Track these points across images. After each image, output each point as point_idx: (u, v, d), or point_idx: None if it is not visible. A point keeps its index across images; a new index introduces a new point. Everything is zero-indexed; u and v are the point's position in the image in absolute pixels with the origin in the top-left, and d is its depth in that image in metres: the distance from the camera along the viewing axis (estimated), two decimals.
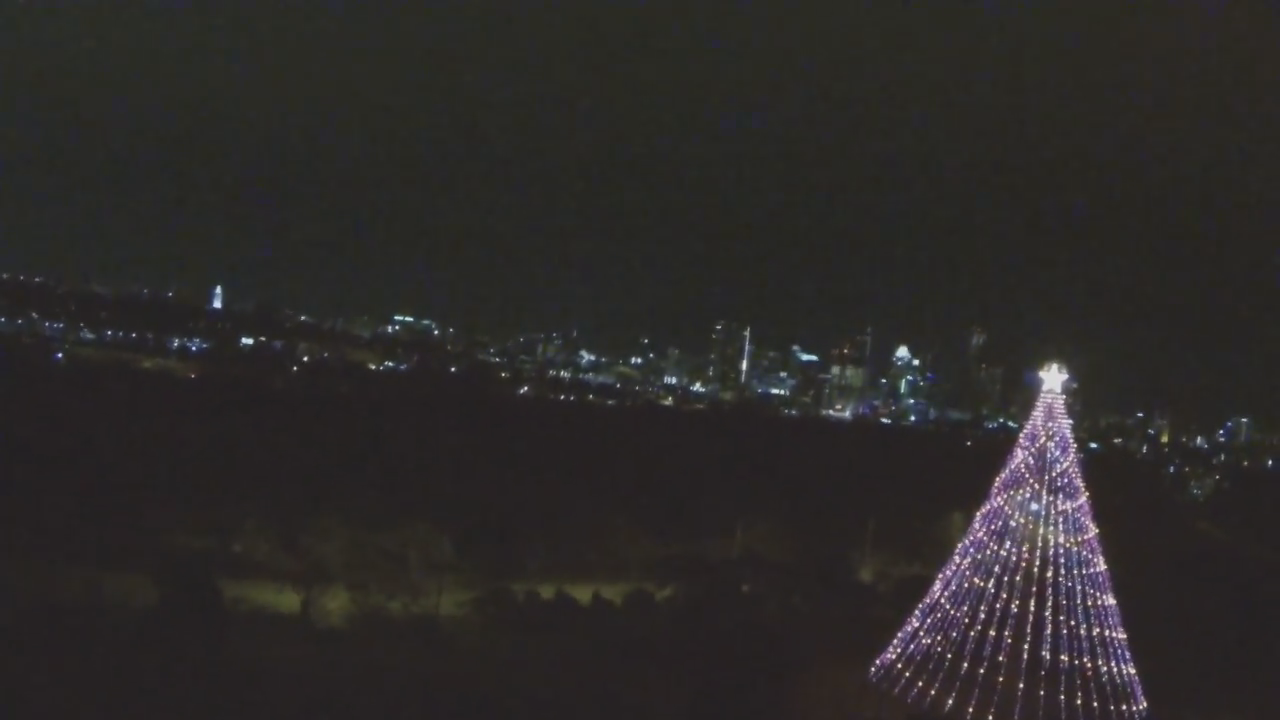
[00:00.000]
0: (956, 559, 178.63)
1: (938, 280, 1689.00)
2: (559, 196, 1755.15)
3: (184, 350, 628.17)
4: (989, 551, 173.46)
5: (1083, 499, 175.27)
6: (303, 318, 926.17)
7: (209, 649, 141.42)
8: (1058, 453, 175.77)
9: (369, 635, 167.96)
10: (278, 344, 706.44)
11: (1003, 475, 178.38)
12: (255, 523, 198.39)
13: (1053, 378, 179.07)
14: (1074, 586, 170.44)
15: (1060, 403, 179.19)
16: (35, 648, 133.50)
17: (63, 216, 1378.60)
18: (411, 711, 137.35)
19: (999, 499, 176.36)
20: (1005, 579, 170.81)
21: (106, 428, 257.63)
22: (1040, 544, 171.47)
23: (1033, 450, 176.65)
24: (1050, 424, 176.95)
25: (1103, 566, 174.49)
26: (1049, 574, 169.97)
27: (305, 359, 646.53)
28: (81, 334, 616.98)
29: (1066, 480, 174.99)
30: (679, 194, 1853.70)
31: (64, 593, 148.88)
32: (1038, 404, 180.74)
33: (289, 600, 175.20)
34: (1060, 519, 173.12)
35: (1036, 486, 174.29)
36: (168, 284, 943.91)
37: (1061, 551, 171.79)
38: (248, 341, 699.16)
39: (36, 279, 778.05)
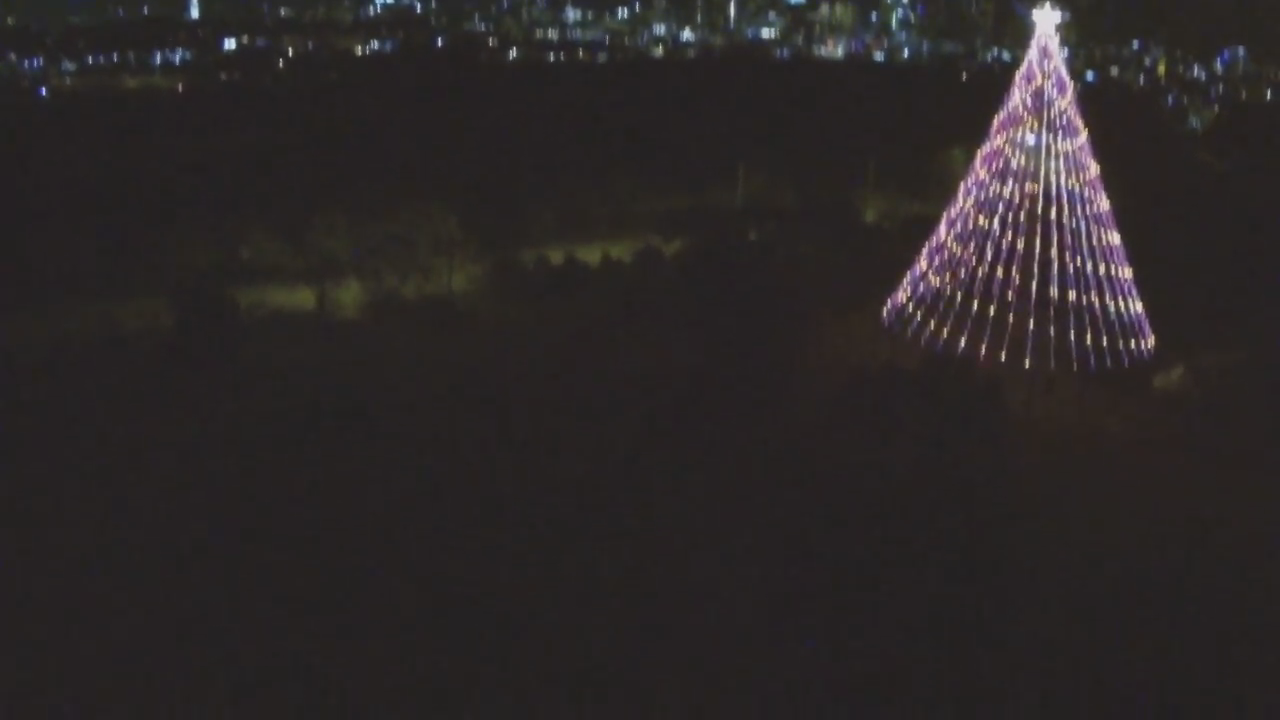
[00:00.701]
0: (960, 199, 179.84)
1: None
2: None
3: (167, 64, 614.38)
4: (992, 191, 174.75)
5: (1082, 137, 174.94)
6: (283, 12, 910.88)
7: (227, 357, 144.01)
8: (1055, 92, 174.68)
9: (384, 321, 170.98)
10: (261, 42, 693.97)
11: (1000, 115, 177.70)
12: (262, 226, 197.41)
13: (1046, 17, 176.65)
14: (1078, 225, 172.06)
15: (1055, 42, 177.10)
16: (58, 380, 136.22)
17: None
18: (427, 389, 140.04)
19: (999, 139, 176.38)
20: (1009, 218, 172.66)
21: (98, 158, 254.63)
22: (1042, 182, 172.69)
23: (1029, 90, 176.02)
24: (1046, 63, 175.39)
25: (1106, 205, 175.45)
26: (1053, 213, 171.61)
27: (290, 53, 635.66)
28: (63, 66, 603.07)
29: (1065, 120, 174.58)
30: None
31: (82, 326, 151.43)
32: (1032, 44, 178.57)
33: (303, 297, 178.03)
34: (1061, 157, 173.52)
35: (1035, 125, 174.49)
36: (141, 3, 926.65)
37: (1064, 190, 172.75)
38: (230, 45, 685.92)
39: (9, 20, 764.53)
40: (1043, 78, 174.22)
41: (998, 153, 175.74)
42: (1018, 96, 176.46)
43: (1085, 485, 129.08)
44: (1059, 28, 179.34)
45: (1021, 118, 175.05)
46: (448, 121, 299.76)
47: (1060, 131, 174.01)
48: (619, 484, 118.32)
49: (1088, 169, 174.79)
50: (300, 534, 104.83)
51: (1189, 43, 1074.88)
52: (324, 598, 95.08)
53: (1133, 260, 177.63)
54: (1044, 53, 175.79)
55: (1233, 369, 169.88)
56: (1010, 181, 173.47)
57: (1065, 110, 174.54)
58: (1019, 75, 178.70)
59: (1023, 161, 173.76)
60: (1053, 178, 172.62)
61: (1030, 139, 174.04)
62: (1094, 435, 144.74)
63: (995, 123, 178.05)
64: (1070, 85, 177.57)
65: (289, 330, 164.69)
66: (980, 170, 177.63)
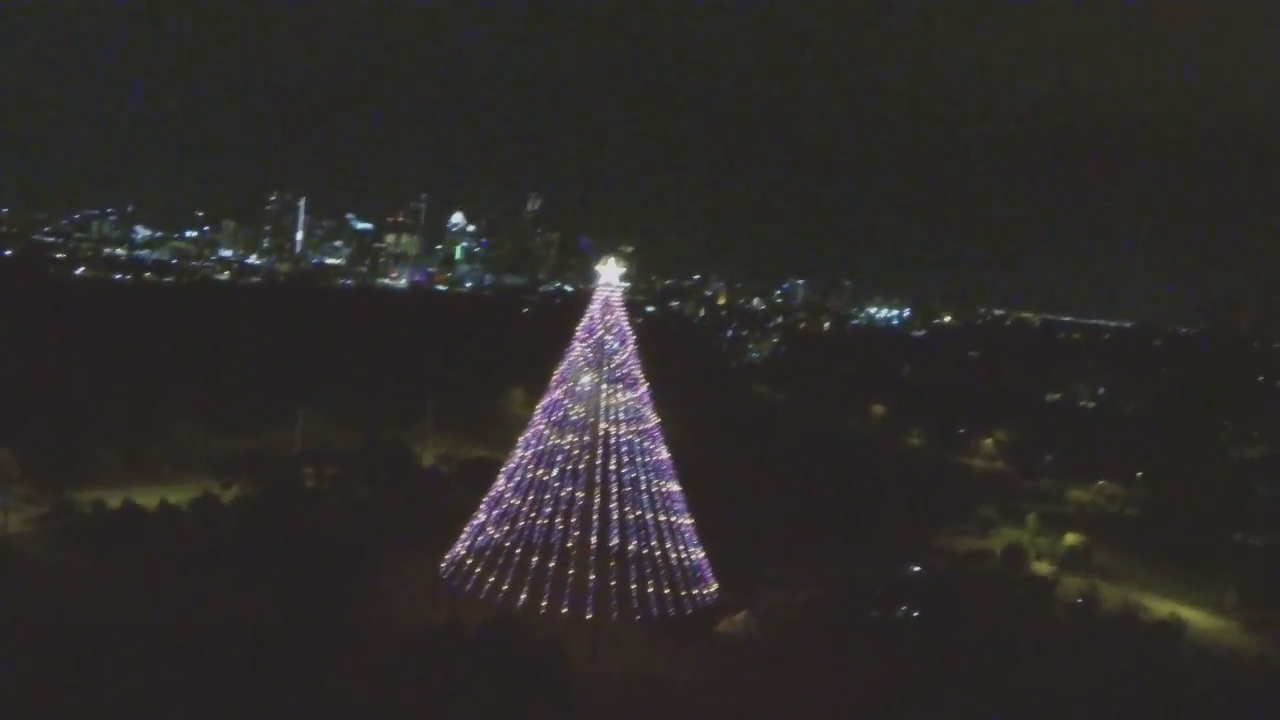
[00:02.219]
0: (519, 451, 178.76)
1: (491, 146, 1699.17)
2: (109, 67, 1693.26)
3: None
4: (550, 443, 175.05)
5: (643, 389, 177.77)
6: None
7: None
8: (616, 344, 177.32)
9: None
10: None
11: (561, 368, 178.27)
12: None
13: (610, 271, 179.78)
14: (637, 475, 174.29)
15: (618, 295, 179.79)
16: None
17: None
18: None
19: (558, 392, 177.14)
20: (569, 469, 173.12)
21: None
22: (601, 434, 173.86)
23: (590, 342, 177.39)
24: (608, 317, 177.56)
25: (665, 454, 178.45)
26: (612, 464, 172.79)
27: None
28: None
29: (625, 371, 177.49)
30: (229, 65, 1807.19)
31: None
32: (594, 298, 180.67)
33: None
34: (621, 409, 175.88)
35: (595, 379, 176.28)
36: None
37: (623, 441, 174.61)
38: None
39: None
40: (604, 330, 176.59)
41: (557, 404, 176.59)
42: (579, 349, 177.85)
43: None
44: (622, 279, 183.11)
45: (581, 369, 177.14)
46: (2, 346, 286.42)
47: (620, 383, 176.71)
48: None
49: (647, 420, 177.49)
50: None
51: (749, 274, 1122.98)
52: None
53: (693, 507, 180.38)
54: (606, 305, 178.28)
55: (797, 608, 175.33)
56: (569, 434, 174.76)
57: (626, 361, 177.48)
58: (580, 328, 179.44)
59: (582, 413, 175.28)
60: (612, 429, 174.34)
61: (585, 379, 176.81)
62: (657, 684, 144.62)
63: (555, 374, 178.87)
64: (631, 338, 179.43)
65: None
66: (539, 422, 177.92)
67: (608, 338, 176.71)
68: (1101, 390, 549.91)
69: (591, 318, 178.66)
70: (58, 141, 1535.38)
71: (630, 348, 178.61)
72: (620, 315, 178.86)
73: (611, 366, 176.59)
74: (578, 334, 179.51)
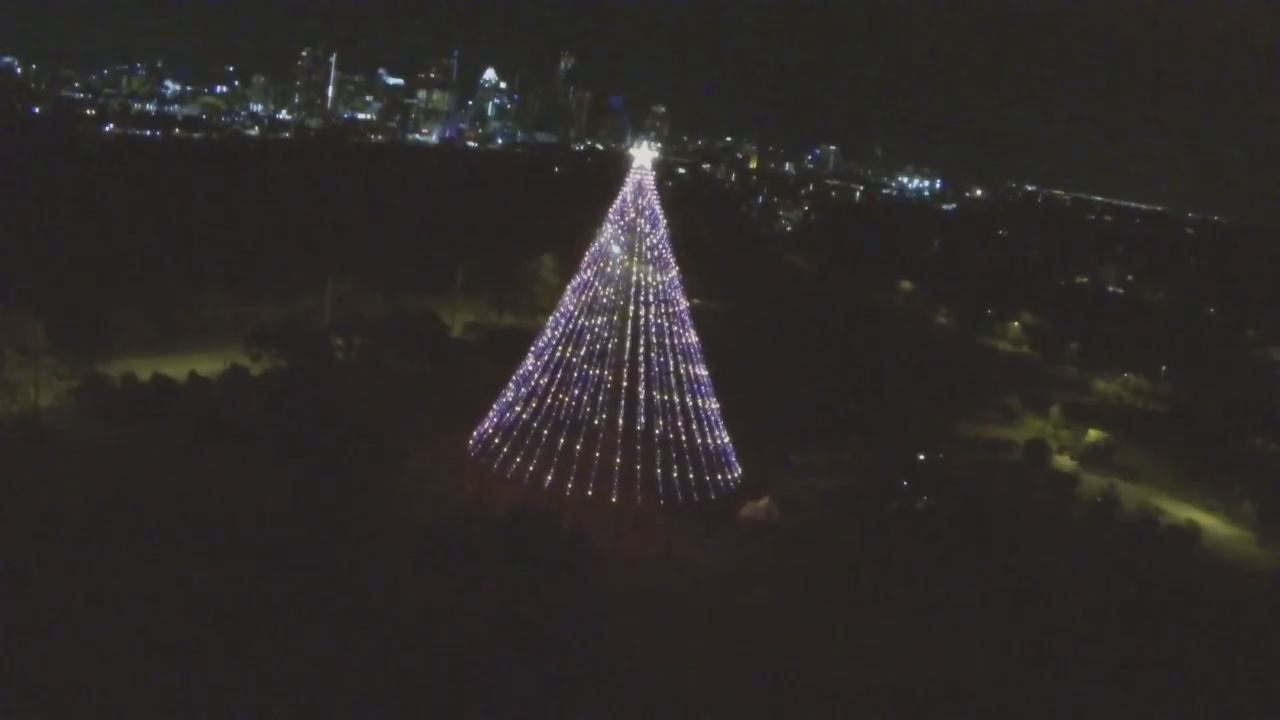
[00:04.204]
0: (548, 330, 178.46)
1: (524, 2, 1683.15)
2: None
3: None
4: (580, 324, 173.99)
5: (673, 272, 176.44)
6: None
7: None
8: (648, 227, 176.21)
9: None
10: None
11: (593, 249, 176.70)
12: None
13: (643, 155, 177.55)
14: (665, 359, 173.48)
15: (650, 179, 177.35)
16: None
17: None
18: (18, 517, 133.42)
19: (589, 272, 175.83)
20: (597, 351, 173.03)
21: None
22: (631, 317, 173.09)
23: (622, 224, 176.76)
24: (640, 200, 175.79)
25: (694, 338, 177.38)
26: (640, 346, 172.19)
27: None
28: None
29: (657, 254, 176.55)
30: None
31: None
32: (627, 180, 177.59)
33: None
34: (651, 292, 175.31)
35: (626, 262, 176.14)
36: None
37: (653, 323, 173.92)
38: None
39: None
40: (636, 214, 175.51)
41: (587, 285, 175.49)
42: (610, 230, 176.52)
43: (664, 626, 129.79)
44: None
45: (613, 251, 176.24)
46: (31, 205, 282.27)
47: (651, 265, 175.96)
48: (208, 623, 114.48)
49: (677, 303, 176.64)
50: None
51: (780, 138, 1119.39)
52: None
53: (720, 390, 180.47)
54: (639, 188, 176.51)
55: (820, 496, 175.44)
56: (599, 315, 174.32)
57: (657, 245, 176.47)
58: (612, 210, 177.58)
59: (612, 295, 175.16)
60: (641, 311, 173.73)
61: (615, 249, 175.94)
62: (680, 567, 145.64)
63: (586, 255, 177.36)
64: (663, 222, 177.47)
65: None
66: (569, 302, 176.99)
67: (640, 221, 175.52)
68: (1130, 276, 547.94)
69: (624, 199, 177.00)
70: None
71: (662, 231, 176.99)
72: (653, 198, 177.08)
73: (643, 249, 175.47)
74: (610, 215, 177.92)
